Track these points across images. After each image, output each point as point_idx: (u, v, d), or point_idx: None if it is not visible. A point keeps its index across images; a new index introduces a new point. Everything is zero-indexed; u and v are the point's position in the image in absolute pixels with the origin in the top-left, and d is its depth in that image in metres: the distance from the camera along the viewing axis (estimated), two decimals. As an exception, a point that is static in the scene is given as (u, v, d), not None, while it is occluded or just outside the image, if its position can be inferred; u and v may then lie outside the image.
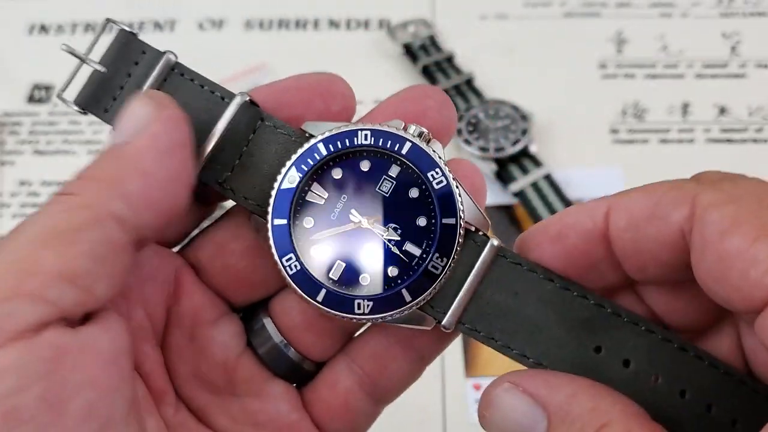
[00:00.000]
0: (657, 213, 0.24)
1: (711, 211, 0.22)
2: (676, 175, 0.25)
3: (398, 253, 0.26)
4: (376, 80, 0.58)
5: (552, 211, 0.52)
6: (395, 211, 0.26)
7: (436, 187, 0.26)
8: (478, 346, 0.44)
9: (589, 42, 0.62)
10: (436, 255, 0.25)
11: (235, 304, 0.29)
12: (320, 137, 0.26)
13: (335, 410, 0.28)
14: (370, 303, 0.25)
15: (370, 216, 0.26)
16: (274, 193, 0.26)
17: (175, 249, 0.29)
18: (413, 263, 0.26)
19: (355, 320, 0.26)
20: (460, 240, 0.26)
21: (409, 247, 0.26)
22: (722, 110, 0.58)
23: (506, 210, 0.54)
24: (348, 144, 0.26)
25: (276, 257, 0.26)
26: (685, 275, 0.24)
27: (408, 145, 0.26)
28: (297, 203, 0.26)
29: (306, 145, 0.26)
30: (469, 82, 0.59)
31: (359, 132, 0.26)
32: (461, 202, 0.26)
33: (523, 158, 0.55)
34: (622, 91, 0.59)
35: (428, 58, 0.60)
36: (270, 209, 0.26)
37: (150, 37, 0.63)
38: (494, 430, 0.24)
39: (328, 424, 0.28)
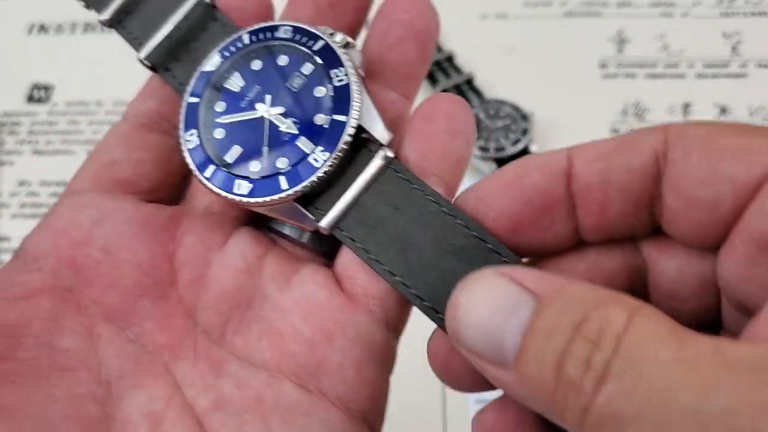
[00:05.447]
0: (627, 142, 0.22)
1: (689, 129, 0.21)
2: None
3: (290, 146, 0.26)
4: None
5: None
6: (299, 107, 0.27)
7: (336, 84, 0.26)
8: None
9: (590, 42, 0.61)
10: (320, 148, 0.26)
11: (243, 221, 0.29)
12: (247, 29, 0.28)
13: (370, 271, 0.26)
14: (250, 185, 0.26)
15: (275, 108, 0.27)
16: (196, 74, 0.28)
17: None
18: (302, 157, 0.26)
19: (236, 201, 0.26)
20: (348, 138, 0.25)
21: (302, 141, 0.26)
22: (723, 110, 0.58)
23: (506, 210, 0.54)
24: (269, 36, 0.28)
25: (181, 131, 0.27)
26: (646, 220, 0.22)
27: (321, 43, 0.27)
28: (214, 86, 0.28)
29: (234, 36, 0.28)
30: (469, 82, 0.59)
31: (281, 27, 0.28)
32: (358, 103, 0.26)
33: (524, 158, 0.55)
34: (622, 90, 0.59)
35: (428, 57, 0.60)
36: (189, 87, 0.28)
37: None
38: (467, 318, 0.20)
39: (367, 288, 0.26)
